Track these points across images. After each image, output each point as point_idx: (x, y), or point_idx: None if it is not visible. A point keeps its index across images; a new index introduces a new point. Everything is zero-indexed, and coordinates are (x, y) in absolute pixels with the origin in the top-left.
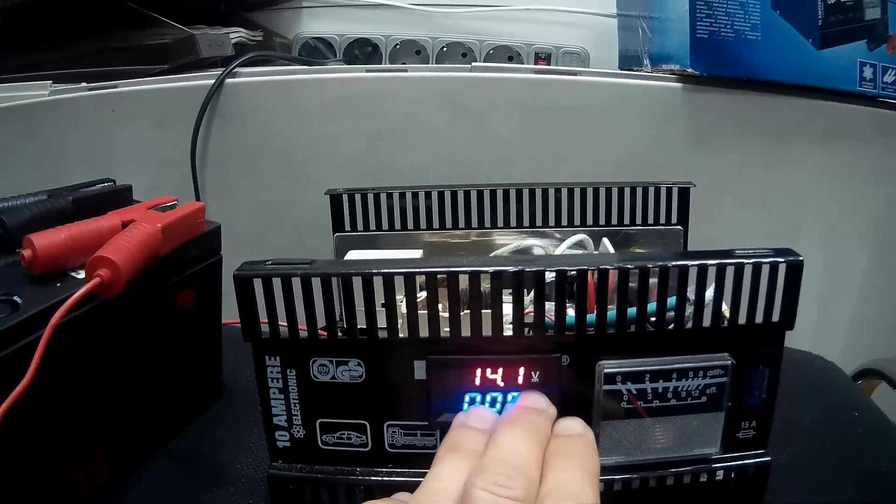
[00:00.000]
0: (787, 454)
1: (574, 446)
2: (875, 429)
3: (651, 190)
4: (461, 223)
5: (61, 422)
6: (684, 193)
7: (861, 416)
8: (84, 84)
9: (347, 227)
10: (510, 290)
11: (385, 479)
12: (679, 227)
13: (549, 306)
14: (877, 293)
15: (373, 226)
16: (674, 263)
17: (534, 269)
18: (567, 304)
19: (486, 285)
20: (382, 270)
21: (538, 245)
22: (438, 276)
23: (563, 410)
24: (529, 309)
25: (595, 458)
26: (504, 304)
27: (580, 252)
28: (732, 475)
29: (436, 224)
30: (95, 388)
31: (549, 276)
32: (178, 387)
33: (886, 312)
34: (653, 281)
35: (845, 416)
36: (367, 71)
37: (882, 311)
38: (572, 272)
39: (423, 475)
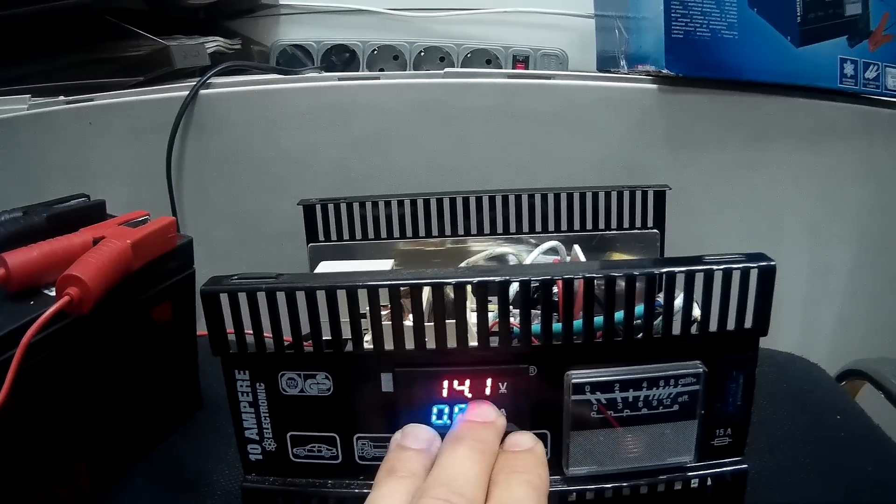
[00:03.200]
0: (769, 459)
1: (521, 462)
2: (859, 431)
3: (626, 193)
4: (435, 231)
5: (42, 437)
6: (660, 196)
7: (844, 418)
8: (62, 97)
9: (321, 238)
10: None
11: (356, 491)
12: (656, 230)
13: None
14: (862, 293)
15: (346, 235)
16: (640, 271)
17: (497, 280)
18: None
19: (452, 296)
20: (346, 284)
21: (511, 252)
22: (402, 288)
23: (533, 421)
24: (497, 320)
25: (543, 474)
26: (472, 315)
27: (550, 259)
28: (708, 483)
29: (409, 233)
30: (74, 404)
31: (515, 286)
32: (157, 399)
33: (872, 313)
34: (620, 289)
35: (829, 418)
36: (340, 79)
37: (868, 311)
38: (535, 283)
39: None
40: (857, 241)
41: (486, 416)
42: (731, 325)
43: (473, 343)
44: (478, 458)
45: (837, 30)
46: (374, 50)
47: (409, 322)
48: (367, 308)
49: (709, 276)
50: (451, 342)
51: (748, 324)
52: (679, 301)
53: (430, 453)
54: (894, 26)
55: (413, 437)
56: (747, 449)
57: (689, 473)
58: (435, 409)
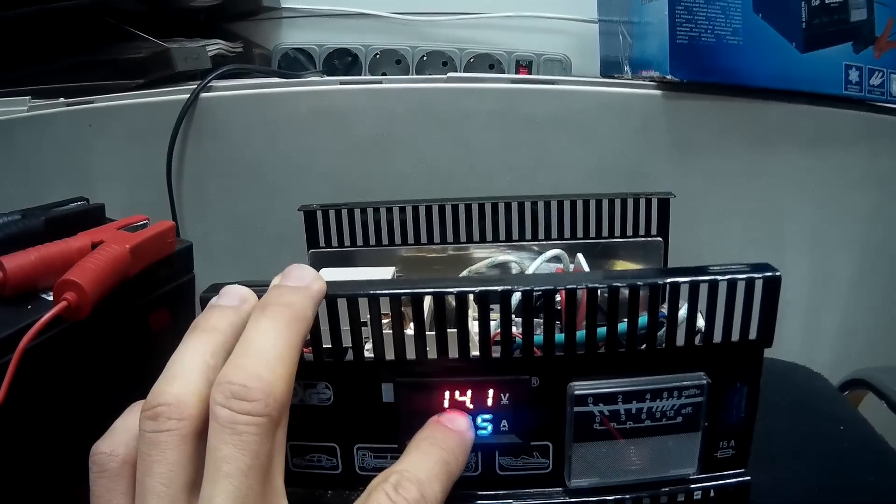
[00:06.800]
0: (771, 469)
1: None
2: (861, 442)
3: (630, 201)
4: (437, 238)
5: (35, 443)
6: (664, 204)
7: (847, 428)
8: (62, 99)
9: (322, 244)
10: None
11: (356, 501)
12: (659, 238)
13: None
14: (865, 301)
15: (347, 242)
16: (644, 282)
17: (500, 289)
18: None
19: (454, 305)
20: (346, 293)
21: (514, 260)
22: (403, 297)
23: (534, 432)
24: (499, 330)
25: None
26: (474, 324)
27: (553, 267)
28: (711, 495)
29: (411, 239)
30: (69, 410)
31: (518, 295)
32: None
33: (875, 321)
34: (624, 299)
35: (831, 429)
36: (342, 83)
37: (871, 319)
38: (538, 292)
39: None
40: (861, 248)
41: (300, 280)
42: (735, 336)
43: (475, 353)
44: (283, 328)
45: (842, 36)
46: (377, 54)
47: (409, 331)
48: (368, 317)
49: (713, 286)
50: (453, 352)
51: (752, 335)
52: (683, 312)
53: (241, 310)
54: None
55: (226, 296)
56: (749, 459)
57: (692, 486)
58: None
